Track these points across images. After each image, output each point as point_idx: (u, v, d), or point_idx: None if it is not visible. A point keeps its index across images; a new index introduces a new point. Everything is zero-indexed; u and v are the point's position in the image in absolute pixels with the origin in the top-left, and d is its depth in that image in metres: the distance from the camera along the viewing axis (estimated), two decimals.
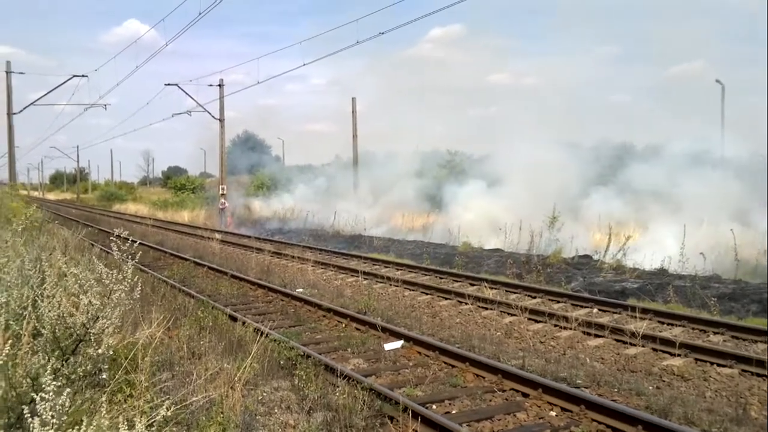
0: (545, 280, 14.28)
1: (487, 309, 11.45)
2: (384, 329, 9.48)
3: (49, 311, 4.59)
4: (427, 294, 13.09)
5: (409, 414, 5.84)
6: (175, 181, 58.50)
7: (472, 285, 13.79)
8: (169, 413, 3.59)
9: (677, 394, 7.02)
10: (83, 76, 32.52)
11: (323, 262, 17.80)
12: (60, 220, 30.16)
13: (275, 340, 8.14)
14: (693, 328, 9.59)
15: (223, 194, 34.02)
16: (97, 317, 4.64)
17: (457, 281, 14.41)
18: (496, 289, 12.99)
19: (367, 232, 26.20)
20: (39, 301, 4.81)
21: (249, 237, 25.83)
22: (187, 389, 5.77)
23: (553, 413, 6.40)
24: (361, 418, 5.91)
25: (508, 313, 10.99)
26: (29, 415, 2.99)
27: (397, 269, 16.40)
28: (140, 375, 5.38)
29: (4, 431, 3.49)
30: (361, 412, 5.99)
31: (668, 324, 9.86)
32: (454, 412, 6.48)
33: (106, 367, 4.77)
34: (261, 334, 7.61)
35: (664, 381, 7.62)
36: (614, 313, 10.66)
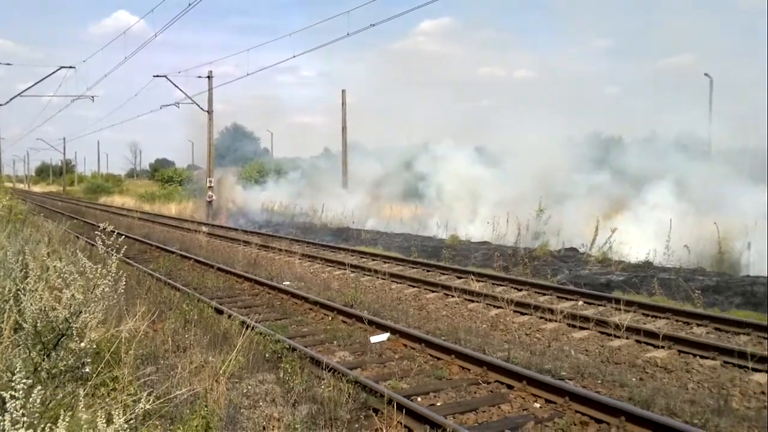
0: (531, 273, 14.35)
1: (473, 301, 11.49)
2: (370, 322, 9.50)
3: (31, 305, 4.56)
4: (414, 287, 13.11)
5: (394, 406, 5.86)
6: (162, 173, 58.10)
7: (459, 278, 13.83)
8: (149, 407, 3.57)
9: (660, 386, 7.09)
10: (71, 67, 32.19)
11: (310, 255, 17.78)
12: (45, 213, 29.91)
13: (261, 333, 8.13)
14: (677, 321, 9.68)
15: (210, 186, 33.86)
16: (80, 311, 4.61)
17: (444, 274, 14.45)
18: (482, 281, 13.03)
19: (355, 225, 26.20)
20: (21, 295, 4.78)
21: (236, 230, 25.75)
22: (171, 382, 5.75)
23: (538, 405, 6.44)
24: (346, 411, 5.92)
25: (494, 306, 11.03)
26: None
27: (385, 262, 16.41)
28: (124, 369, 5.37)
29: None
30: (346, 405, 6.01)
31: (652, 316, 9.94)
32: (439, 404, 6.51)
33: (89, 360, 4.75)
34: (247, 327, 7.60)
35: (647, 373, 7.69)
36: (599, 305, 10.74)
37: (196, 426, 4.76)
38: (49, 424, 3.02)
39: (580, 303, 11.08)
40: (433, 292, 12.54)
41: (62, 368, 4.36)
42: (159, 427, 4.52)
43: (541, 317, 10.14)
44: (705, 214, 16.70)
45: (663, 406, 6.27)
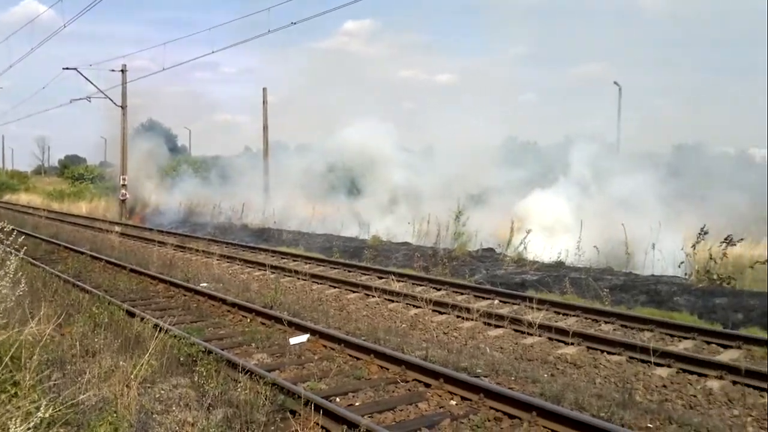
0: (450, 273, 14.60)
1: (393, 301, 11.59)
2: (290, 323, 9.41)
3: None
4: (335, 287, 13.09)
5: (311, 407, 5.83)
6: (72, 170, 55.56)
7: (380, 278, 13.91)
8: (48, 414, 3.40)
9: (570, 381, 7.37)
10: None
11: (230, 255, 17.44)
12: None
13: (176, 336, 7.89)
14: (586, 318, 10.09)
15: (124, 185, 32.64)
16: None
17: (365, 274, 14.50)
18: (403, 281, 13.16)
19: (276, 225, 25.89)
20: None
21: (151, 230, 24.94)
22: (78, 388, 5.50)
23: (454, 402, 6.56)
24: (263, 414, 5.84)
25: (414, 305, 11.16)
26: None
27: (306, 263, 16.31)
28: (26, 374, 5.09)
29: None
30: (263, 408, 5.92)
31: (563, 314, 10.32)
32: (357, 404, 6.52)
33: None
34: (160, 330, 7.37)
35: (558, 369, 7.98)
36: (514, 304, 11.06)
37: None
38: None
39: (496, 302, 11.38)
40: (354, 292, 12.56)
41: None
42: None
43: (459, 316, 10.34)
44: (613, 216, 17.43)
45: (572, 401, 6.51)
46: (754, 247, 16.55)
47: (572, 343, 8.71)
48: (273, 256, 17.61)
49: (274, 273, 14.72)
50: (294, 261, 16.64)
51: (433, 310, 10.81)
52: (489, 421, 6.08)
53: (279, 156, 36.59)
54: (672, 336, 9.01)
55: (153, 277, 13.74)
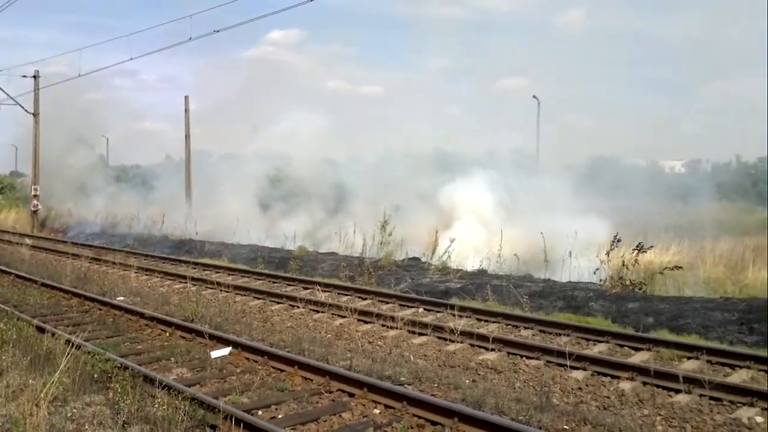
0: (376, 282, 14.66)
1: (318, 312, 11.53)
2: (212, 336, 9.19)
3: None
4: (259, 299, 12.91)
5: (232, 421, 5.72)
6: None
7: (306, 288, 13.82)
8: None
9: (491, 386, 7.53)
10: None
11: (148, 268, 16.90)
12: None
13: (89, 353, 7.56)
14: (507, 324, 10.35)
15: (36, 195, 31.13)
16: None
17: (290, 285, 14.37)
18: (328, 291, 13.12)
19: (198, 237, 25.28)
20: None
21: (65, 242, 23.87)
22: None
23: (377, 411, 6.58)
24: (182, 429, 5.67)
25: (339, 315, 11.15)
26: None
27: (229, 274, 16.01)
28: None
29: None
30: (181, 423, 5.75)
31: (485, 321, 10.55)
32: (280, 416, 6.44)
33: None
34: (73, 346, 7.05)
35: (479, 374, 8.14)
36: (438, 312, 11.21)
37: None
38: None
39: (421, 310, 11.50)
40: (278, 303, 12.42)
41: None
42: None
43: (384, 325, 10.39)
44: (533, 225, 17.98)
45: (493, 405, 6.65)
46: (663, 253, 17.45)
47: (493, 349, 8.90)
48: (195, 268, 17.20)
49: (195, 285, 14.37)
50: (217, 273, 16.30)
51: (359, 320, 10.82)
52: (412, 428, 6.13)
53: (202, 165, 35.80)
54: (587, 340, 9.36)
55: (66, 291, 13.15)
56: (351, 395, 6.96)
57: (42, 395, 5.72)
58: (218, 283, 14.17)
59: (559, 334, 9.66)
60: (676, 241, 18.46)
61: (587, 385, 7.60)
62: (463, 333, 9.40)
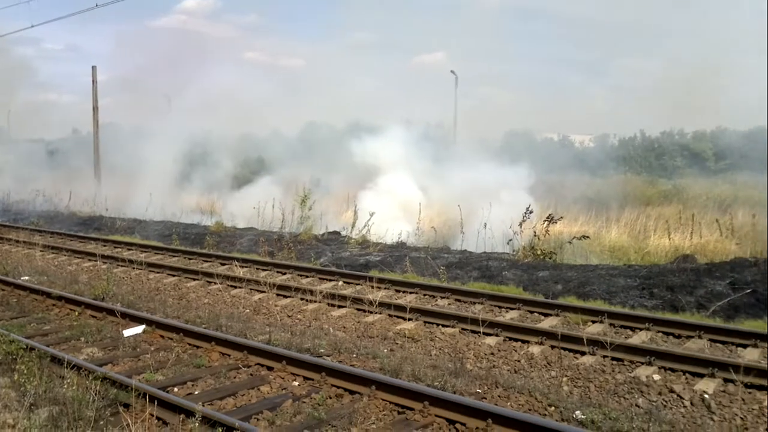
0: (296, 257, 14.60)
1: (236, 287, 11.40)
2: (124, 315, 8.93)
3: None
4: (174, 275, 12.61)
5: (146, 399, 5.62)
6: None
7: (223, 264, 13.60)
8: None
9: (408, 355, 7.70)
10: None
11: (55, 246, 16.15)
12: None
13: None
14: (424, 295, 10.57)
15: None
16: None
17: (207, 261, 14.10)
18: (247, 267, 12.96)
19: (109, 213, 24.33)
20: None
21: None
22: None
23: (296, 383, 6.62)
24: (93, 409, 5.51)
25: (258, 291, 11.06)
26: None
27: (142, 251, 15.52)
28: None
29: None
30: (93, 404, 5.59)
31: (403, 292, 10.73)
32: (197, 392, 6.37)
33: None
34: None
35: (397, 344, 8.30)
36: (357, 284, 11.30)
37: None
38: None
39: (340, 283, 11.56)
40: (194, 280, 12.18)
41: None
42: None
43: (303, 299, 10.40)
44: (451, 197, 18.35)
45: (410, 373, 6.82)
46: (572, 224, 18.24)
47: (410, 319, 9.09)
48: (105, 246, 16.58)
49: (106, 263, 13.87)
50: (129, 250, 15.78)
51: (278, 294, 10.77)
52: (330, 398, 6.20)
53: (113, 138, 34.28)
54: (500, 307, 9.70)
55: None
56: (270, 369, 6.96)
57: None
58: (131, 261, 13.72)
59: (474, 303, 9.95)
60: (584, 212, 19.33)
61: (499, 350, 7.90)
62: (381, 304, 9.54)
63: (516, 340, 8.16)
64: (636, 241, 16.32)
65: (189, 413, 5.32)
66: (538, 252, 13.30)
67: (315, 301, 10.17)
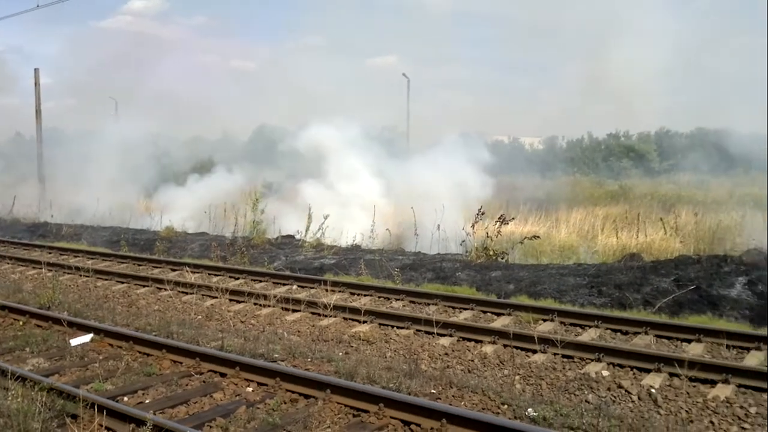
0: (249, 261, 14.45)
1: (188, 294, 11.21)
2: (71, 323, 8.67)
3: None
4: (123, 282, 12.32)
5: (95, 409, 5.48)
6: None
7: (174, 270, 13.36)
8: None
9: (363, 357, 7.71)
10: None
11: None
12: None
13: None
14: (379, 297, 10.59)
15: None
16: None
17: (157, 267, 13.82)
18: (198, 273, 12.76)
19: (54, 219, 23.61)
20: None
21: None
22: None
23: (250, 389, 6.55)
24: (39, 421, 5.35)
25: (210, 296, 10.90)
26: None
27: (90, 258, 15.13)
28: None
29: None
30: (39, 415, 5.42)
31: (358, 294, 10.73)
32: (147, 401, 6.24)
33: None
34: None
35: (352, 346, 8.30)
36: (311, 288, 11.26)
37: None
38: None
39: (294, 287, 11.50)
40: (144, 286, 11.93)
41: None
42: None
43: (257, 303, 10.30)
44: (405, 199, 18.42)
45: (365, 376, 6.82)
46: (523, 224, 18.56)
47: (365, 321, 9.10)
48: (51, 253, 16.09)
49: (51, 271, 13.45)
50: (75, 257, 15.35)
51: (231, 300, 10.65)
52: (285, 403, 6.16)
53: (58, 143, 33.28)
54: (454, 308, 9.80)
55: None
56: (223, 375, 6.87)
57: None
58: (77, 268, 13.34)
59: (428, 304, 10.02)
60: (534, 212, 19.68)
61: (453, 351, 7.98)
62: (336, 307, 9.52)
63: (469, 340, 8.26)
64: (585, 241, 16.72)
65: (139, 422, 5.21)
66: (491, 252, 13.47)
67: (269, 306, 10.09)
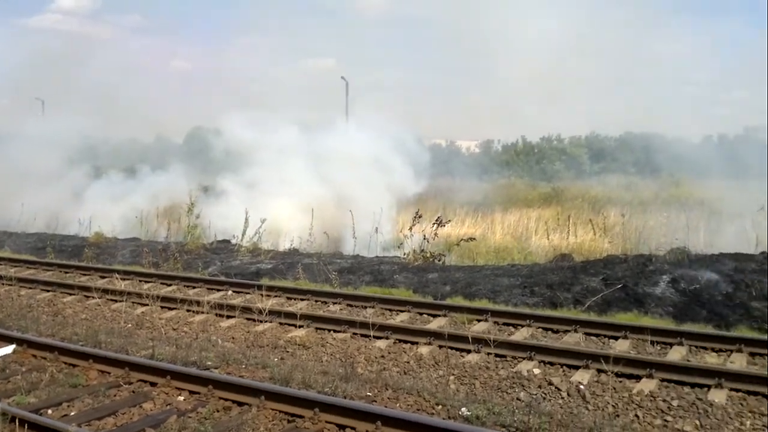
0: (183, 267, 14.13)
1: (117, 301, 10.86)
2: None
3: None
4: (48, 291, 11.83)
5: (16, 423, 5.24)
6: None
7: (103, 277, 12.92)
8: None
9: (299, 362, 7.65)
10: None
11: None
12: None
13: None
14: (316, 301, 10.53)
15: None
16: None
17: (85, 274, 13.35)
18: (128, 279, 12.39)
19: None
20: None
21: None
22: None
23: (182, 398, 6.39)
24: None
25: (141, 304, 10.59)
26: None
27: (12, 266, 14.47)
28: None
29: None
30: None
31: (294, 299, 10.64)
32: (73, 413, 6.01)
33: None
34: None
35: (288, 351, 8.22)
36: (247, 293, 11.09)
37: None
38: None
39: (230, 293, 11.31)
40: (71, 295, 11.50)
41: None
42: None
43: (190, 310, 10.08)
44: (341, 203, 18.38)
45: (300, 380, 6.76)
46: (460, 227, 18.82)
47: (302, 326, 9.03)
48: None
49: None
50: None
51: (162, 307, 10.38)
52: (218, 411, 6.04)
53: None
54: (391, 311, 9.84)
55: None
56: (153, 384, 6.68)
57: None
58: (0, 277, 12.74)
59: (365, 307, 10.03)
60: (470, 214, 20.00)
61: (389, 353, 8.01)
62: (271, 312, 9.41)
63: (406, 341, 8.31)
64: (519, 242, 17.09)
65: None
66: (428, 255, 13.61)
67: (202, 312, 9.88)
